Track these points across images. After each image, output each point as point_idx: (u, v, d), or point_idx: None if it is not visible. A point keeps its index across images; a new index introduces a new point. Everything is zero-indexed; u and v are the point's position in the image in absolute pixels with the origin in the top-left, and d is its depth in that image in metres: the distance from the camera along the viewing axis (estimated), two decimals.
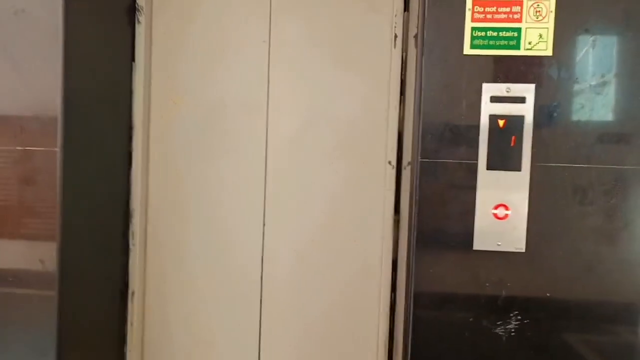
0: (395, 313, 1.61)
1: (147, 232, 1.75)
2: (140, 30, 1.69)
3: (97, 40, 1.51)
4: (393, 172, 1.60)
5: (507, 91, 1.23)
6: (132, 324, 1.72)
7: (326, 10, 1.65)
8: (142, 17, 1.69)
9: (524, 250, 1.24)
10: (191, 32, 1.72)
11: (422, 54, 1.24)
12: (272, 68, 1.69)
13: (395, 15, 1.60)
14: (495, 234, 1.24)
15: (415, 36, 1.60)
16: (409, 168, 1.59)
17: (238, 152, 1.71)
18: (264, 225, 1.71)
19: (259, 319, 1.71)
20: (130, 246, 1.71)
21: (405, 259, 1.56)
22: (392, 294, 1.62)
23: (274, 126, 1.69)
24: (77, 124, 1.39)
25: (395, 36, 1.60)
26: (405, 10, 1.60)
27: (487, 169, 1.24)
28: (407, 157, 1.59)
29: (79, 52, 1.39)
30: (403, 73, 1.61)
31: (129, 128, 1.69)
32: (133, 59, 1.69)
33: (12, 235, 1.36)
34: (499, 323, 1.25)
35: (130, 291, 1.71)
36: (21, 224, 1.36)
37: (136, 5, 1.68)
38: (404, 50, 1.61)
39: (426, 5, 1.23)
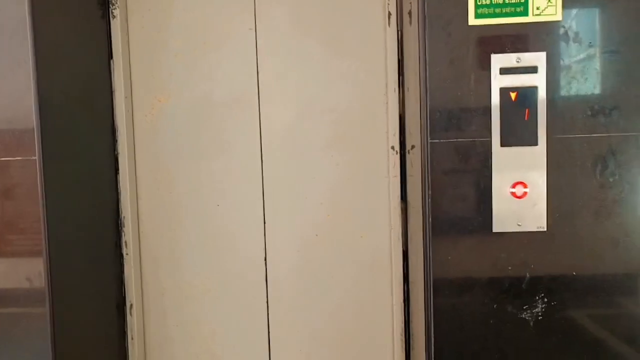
0: (410, 306, 1.54)
1: (140, 241, 1.65)
2: (116, 25, 1.57)
3: (69, 36, 1.39)
4: (397, 157, 1.52)
5: (518, 61, 1.16)
6: (132, 338, 1.61)
7: None
8: (116, 11, 1.57)
9: (545, 229, 1.17)
10: (171, 24, 1.61)
11: (424, 30, 1.16)
12: (261, 57, 1.59)
13: None
14: (514, 214, 1.17)
15: (410, 12, 1.51)
16: (413, 152, 1.51)
17: (231, 148, 1.61)
18: (264, 223, 1.62)
19: (266, 323, 1.62)
20: (124, 256, 1.61)
21: (417, 248, 1.49)
22: (405, 286, 1.55)
23: (267, 119, 1.60)
24: (55, 129, 1.27)
25: (389, 14, 1.51)
26: None
27: (502, 145, 1.17)
28: (410, 140, 1.51)
29: (51, 50, 1.27)
30: (400, 52, 1.52)
31: (113, 131, 1.58)
32: (111, 56, 1.58)
33: None
34: (524, 307, 1.18)
35: (128, 304, 1.61)
36: (4, 241, 1.24)
37: None
38: (400, 28, 1.52)
39: None
